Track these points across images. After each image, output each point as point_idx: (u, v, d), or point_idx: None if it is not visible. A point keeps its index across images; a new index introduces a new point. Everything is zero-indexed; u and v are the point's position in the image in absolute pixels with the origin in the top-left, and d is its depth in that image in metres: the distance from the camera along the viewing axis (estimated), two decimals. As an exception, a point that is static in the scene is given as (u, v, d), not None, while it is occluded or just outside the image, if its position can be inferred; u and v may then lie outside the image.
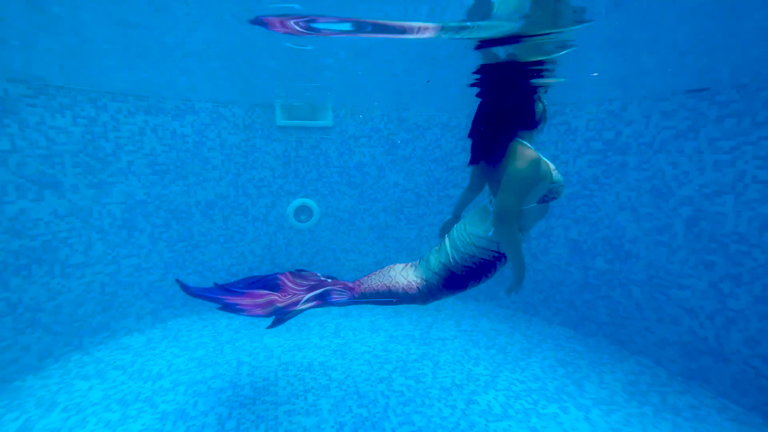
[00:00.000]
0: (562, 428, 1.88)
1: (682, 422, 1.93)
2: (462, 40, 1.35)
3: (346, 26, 1.24)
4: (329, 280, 1.75)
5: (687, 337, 2.27)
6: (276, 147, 3.15)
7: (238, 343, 2.64)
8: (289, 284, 1.72)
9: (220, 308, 1.57)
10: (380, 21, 1.19)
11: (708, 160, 2.12)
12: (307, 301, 1.60)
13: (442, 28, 1.24)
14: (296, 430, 1.82)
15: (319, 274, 1.81)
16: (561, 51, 1.44)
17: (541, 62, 1.56)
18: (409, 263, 1.72)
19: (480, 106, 1.49)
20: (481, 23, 1.19)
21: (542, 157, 1.36)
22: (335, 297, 1.62)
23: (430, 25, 1.22)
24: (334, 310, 3.25)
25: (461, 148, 3.32)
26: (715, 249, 2.12)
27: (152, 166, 2.68)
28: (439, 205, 3.47)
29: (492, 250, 1.45)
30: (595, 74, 1.85)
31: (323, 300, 1.61)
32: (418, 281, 1.58)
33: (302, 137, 3.20)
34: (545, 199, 1.42)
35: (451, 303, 3.44)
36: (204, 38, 1.38)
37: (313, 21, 1.20)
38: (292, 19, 1.18)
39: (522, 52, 1.45)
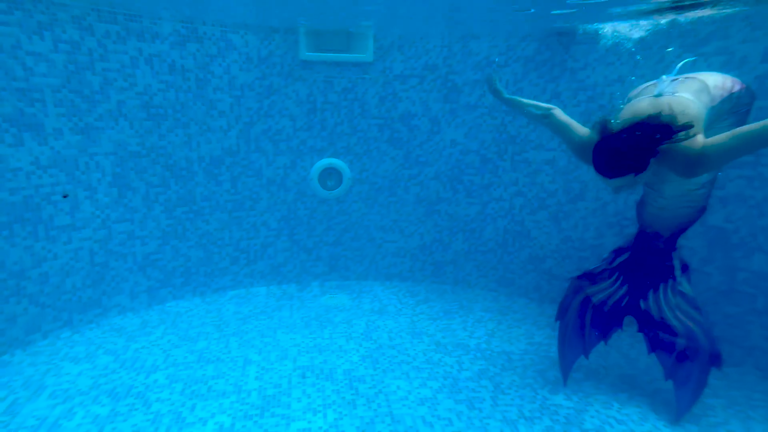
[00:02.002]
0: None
1: None
2: None
3: None
4: None
5: None
6: (298, 89, 2.97)
7: (246, 337, 2.62)
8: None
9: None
10: None
11: None
12: None
13: None
14: (315, 455, 1.73)
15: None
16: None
17: None
18: None
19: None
20: None
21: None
22: None
23: None
24: (366, 303, 3.13)
25: (551, 92, 2.90)
26: None
27: (147, 109, 2.64)
28: (513, 173, 3.12)
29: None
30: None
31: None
32: None
33: (332, 76, 2.99)
34: None
35: (522, 304, 3.17)
36: None
37: None
38: None
39: None
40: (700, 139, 1.49)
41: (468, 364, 2.41)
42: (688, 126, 1.44)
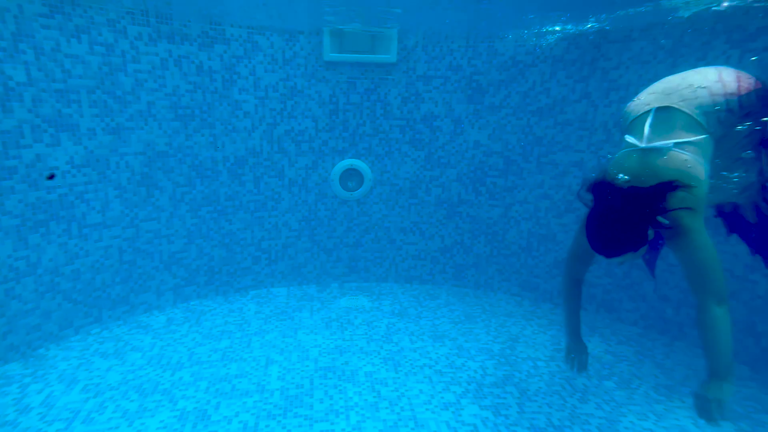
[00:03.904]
0: None
1: None
2: None
3: None
4: None
5: None
6: (321, 90, 3.01)
7: (267, 337, 2.66)
8: None
9: None
10: None
11: None
12: None
13: None
14: (339, 456, 1.73)
15: None
16: None
17: None
18: None
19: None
20: None
21: None
22: None
23: None
24: (386, 305, 3.13)
25: (580, 93, 2.85)
26: None
27: (175, 109, 2.72)
28: (539, 175, 3.08)
29: None
30: None
31: None
32: None
33: (355, 77, 3.02)
34: None
35: (547, 310, 3.11)
36: None
37: None
38: None
39: None
40: (698, 223, 1.31)
41: (492, 370, 2.38)
42: (685, 186, 1.24)
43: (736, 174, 1.60)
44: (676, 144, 1.36)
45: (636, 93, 2.64)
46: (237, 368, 2.32)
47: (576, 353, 1.96)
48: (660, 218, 1.28)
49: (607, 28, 2.61)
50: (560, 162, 3.00)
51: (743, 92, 1.42)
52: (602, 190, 1.32)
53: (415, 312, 3.05)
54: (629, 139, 1.48)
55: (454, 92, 3.08)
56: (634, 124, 1.51)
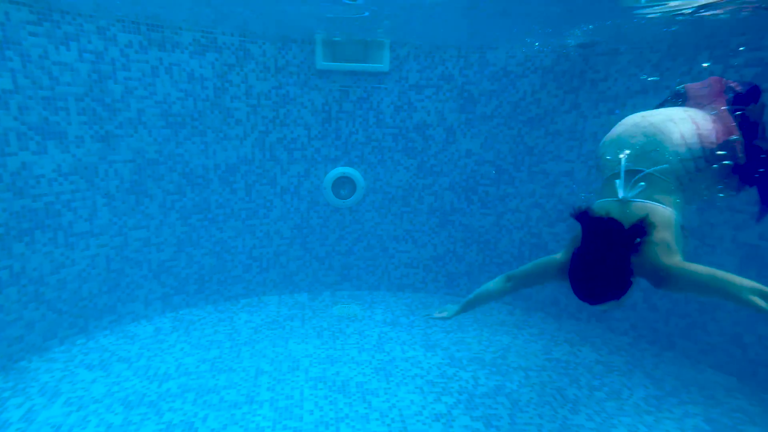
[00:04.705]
0: None
1: None
2: None
3: None
4: None
5: None
6: (314, 98, 3.02)
7: (258, 346, 2.63)
8: None
9: None
10: None
11: None
12: None
13: None
14: (328, 470, 1.71)
15: None
16: None
17: None
18: None
19: None
20: None
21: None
22: None
23: None
24: (378, 314, 3.12)
25: (570, 103, 2.89)
26: None
27: (165, 117, 2.70)
28: (530, 184, 3.10)
29: None
30: None
31: None
32: None
33: (348, 86, 3.03)
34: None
35: (539, 319, 3.12)
36: None
37: None
38: None
39: None
40: (675, 259, 1.29)
41: (484, 380, 2.38)
42: (644, 231, 1.24)
43: (720, 195, 1.66)
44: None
45: (623, 106, 2.69)
46: (226, 379, 2.29)
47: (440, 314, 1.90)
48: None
49: (596, 40, 2.66)
50: (551, 171, 3.03)
51: (720, 141, 1.45)
52: (588, 222, 1.31)
53: (407, 321, 3.04)
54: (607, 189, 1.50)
55: (446, 101, 3.11)
56: (609, 181, 1.51)
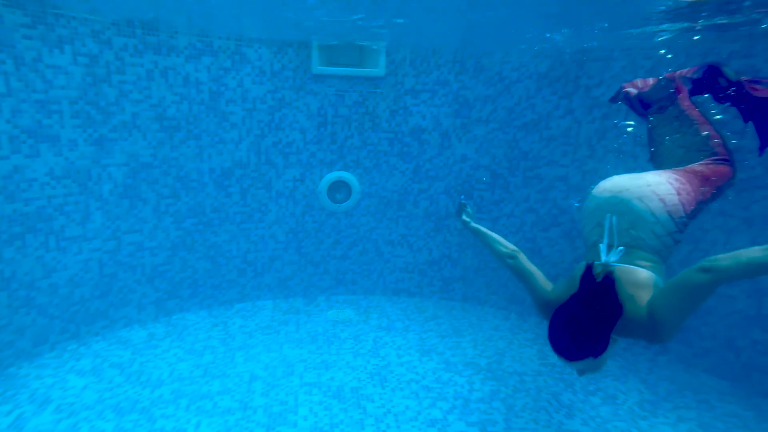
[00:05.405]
0: None
1: None
2: None
3: None
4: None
5: None
6: (310, 102, 3.02)
7: (252, 351, 2.61)
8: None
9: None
10: None
11: None
12: None
13: None
14: (322, 478, 1.70)
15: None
16: None
17: None
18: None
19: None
20: None
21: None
22: None
23: None
24: (373, 319, 3.11)
25: (564, 109, 2.91)
26: None
27: (160, 121, 2.69)
28: (525, 189, 3.12)
29: None
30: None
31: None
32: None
33: (344, 90, 3.03)
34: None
35: (534, 323, 3.13)
36: None
37: None
38: None
39: None
40: (644, 299, 1.30)
41: (479, 385, 2.38)
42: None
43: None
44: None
45: (618, 111, 2.70)
46: (219, 385, 2.27)
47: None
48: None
49: (592, 45, 2.69)
50: (545, 176, 3.05)
51: (693, 206, 1.48)
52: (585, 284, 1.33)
53: (402, 325, 3.04)
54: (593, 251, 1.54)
55: (441, 106, 3.12)
56: (594, 245, 1.54)
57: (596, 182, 2.95)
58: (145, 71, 2.57)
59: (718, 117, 1.69)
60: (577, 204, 2.88)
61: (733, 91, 1.65)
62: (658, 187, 1.48)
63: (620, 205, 1.50)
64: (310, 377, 2.38)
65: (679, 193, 1.47)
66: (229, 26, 2.53)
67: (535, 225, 3.13)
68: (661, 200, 1.45)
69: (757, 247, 1.17)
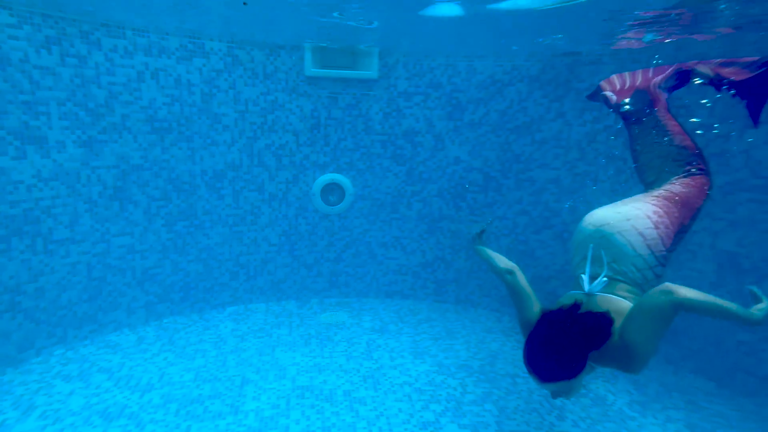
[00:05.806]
0: None
1: None
2: None
3: None
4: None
5: None
6: (303, 104, 3.01)
7: (244, 355, 2.59)
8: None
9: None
10: None
11: None
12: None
13: None
14: (314, 483, 1.69)
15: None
16: None
17: None
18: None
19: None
20: None
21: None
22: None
23: None
24: (366, 321, 3.10)
25: (555, 112, 2.94)
26: None
27: (151, 123, 2.66)
28: (518, 191, 3.14)
29: None
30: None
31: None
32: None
33: (337, 92, 3.03)
34: None
35: (525, 328, 3.14)
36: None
37: None
38: None
39: None
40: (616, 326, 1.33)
41: (472, 387, 2.38)
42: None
43: None
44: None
45: (609, 114, 2.73)
46: (210, 389, 2.24)
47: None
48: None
49: (581, 49, 2.72)
50: (537, 179, 3.07)
51: (671, 240, 1.53)
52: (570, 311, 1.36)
53: (395, 328, 3.03)
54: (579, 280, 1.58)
55: (434, 109, 3.13)
56: (578, 275, 1.58)
57: (587, 185, 2.98)
58: (136, 73, 2.54)
59: (699, 132, 1.74)
60: (566, 206, 2.91)
61: (715, 85, 1.70)
62: (637, 221, 1.52)
63: (603, 239, 1.55)
64: (303, 380, 2.36)
65: (657, 227, 1.50)
66: (220, 28, 2.52)
67: (528, 227, 3.15)
68: (641, 234, 1.49)
69: (722, 299, 1.28)
